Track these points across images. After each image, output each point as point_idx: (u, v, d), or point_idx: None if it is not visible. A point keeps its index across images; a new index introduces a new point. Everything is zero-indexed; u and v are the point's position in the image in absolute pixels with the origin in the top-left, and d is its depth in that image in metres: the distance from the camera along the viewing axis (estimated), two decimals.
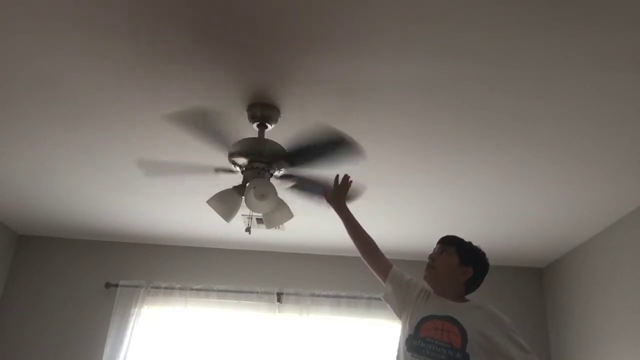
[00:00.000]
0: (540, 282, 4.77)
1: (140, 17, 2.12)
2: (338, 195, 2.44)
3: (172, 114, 2.66)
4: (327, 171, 2.69)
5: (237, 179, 2.76)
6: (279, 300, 4.53)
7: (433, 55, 2.25)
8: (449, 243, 2.19)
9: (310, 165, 2.69)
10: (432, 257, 2.18)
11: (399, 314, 2.18)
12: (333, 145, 2.57)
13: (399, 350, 2.06)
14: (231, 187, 2.73)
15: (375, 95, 2.55)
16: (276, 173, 2.68)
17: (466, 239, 2.22)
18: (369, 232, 2.35)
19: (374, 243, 2.31)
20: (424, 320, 2.02)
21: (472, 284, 2.14)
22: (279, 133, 2.70)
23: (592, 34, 2.07)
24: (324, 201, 2.53)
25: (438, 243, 2.23)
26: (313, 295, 4.54)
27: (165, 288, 4.54)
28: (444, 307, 2.04)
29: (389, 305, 2.24)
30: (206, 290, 4.54)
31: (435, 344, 1.93)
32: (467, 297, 2.14)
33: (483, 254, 2.18)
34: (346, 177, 2.46)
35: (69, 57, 2.38)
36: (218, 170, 2.80)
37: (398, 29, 2.11)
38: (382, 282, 2.28)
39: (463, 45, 2.17)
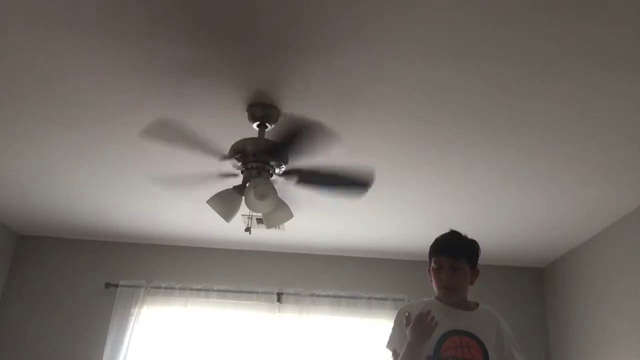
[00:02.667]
0: (540, 282, 4.77)
1: (141, 18, 2.12)
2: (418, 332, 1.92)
3: (174, 115, 2.69)
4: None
5: (237, 179, 2.76)
6: (279, 300, 4.53)
7: (433, 55, 2.25)
8: (459, 254, 2.01)
9: (313, 185, 2.79)
10: (449, 276, 1.99)
11: None
12: (351, 181, 2.69)
13: None
14: (231, 187, 2.73)
15: (375, 95, 2.55)
16: (277, 171, 2.68)
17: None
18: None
19: None
20: (442, 339, 1.93)
21: None
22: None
23: (593, 34, 2.07)
24: (333, 193, 2.51)
25: (445, 254, 2.02)
26: (313, 295, 4.54)
27: (165, 288, 4.54)
28: (457, 320, 1.97)
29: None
30: (206, 290, 4.54)
31: None
32: (473, 300, 2.08)
33: (478, 245, 2.08)
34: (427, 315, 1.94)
35: (69, 57, 2.38)
36: (224, 175, 2.83)
37: (398, 29, 2.11)
38: None
39: (463, 45, 2.17)
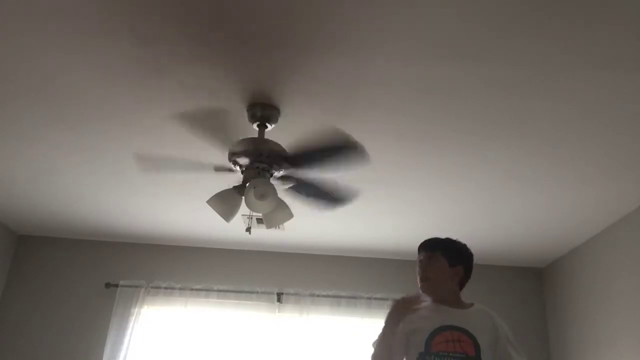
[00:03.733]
0: (540, 282, 4.77)
1: (141, 17, 2.12)
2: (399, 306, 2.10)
3: (174, 114, 2.70)
4: (327, 174, 2.73)
5: (236, 178, 2.76)
6: (279, 300, 4.53)
7: (433, 55, 2.25)
8: (433, 248, 2.12)
9: (312, 168, 2.70)
10: (423, 268, 2.10)
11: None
12: (337, 149, 2.60)
13: None
14: (231, 187, 2.73)
15: (375, 95, 2.55)
16: (276, 174, 2.68)
17: (466, 240, 2.18)
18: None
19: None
20: (432, 334, 1.97)
21: (464, 280, 2.12)
22: (279, 133, 2.70)
23: (593, 34, 2.07)
24: (322, 206, 2.52)
25: (421, 250, 2.15)
26: (313, 295, 4.54)
27: (165, 288, 4.54)
28: (449, 316, 2.00)
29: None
30: (206, 290, 4.54)
31: (450, 356, 1.91)
32: (468, 301, 2.11)
33: (466, 247, 2.15)
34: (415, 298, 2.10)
35: (69, 57, 2.38)
36: (218, 168, 2.81)
37: (398, 29, 2.11)
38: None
39: (463, 45, 2.17)
